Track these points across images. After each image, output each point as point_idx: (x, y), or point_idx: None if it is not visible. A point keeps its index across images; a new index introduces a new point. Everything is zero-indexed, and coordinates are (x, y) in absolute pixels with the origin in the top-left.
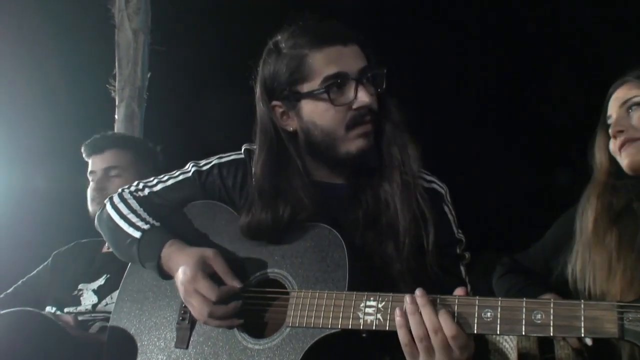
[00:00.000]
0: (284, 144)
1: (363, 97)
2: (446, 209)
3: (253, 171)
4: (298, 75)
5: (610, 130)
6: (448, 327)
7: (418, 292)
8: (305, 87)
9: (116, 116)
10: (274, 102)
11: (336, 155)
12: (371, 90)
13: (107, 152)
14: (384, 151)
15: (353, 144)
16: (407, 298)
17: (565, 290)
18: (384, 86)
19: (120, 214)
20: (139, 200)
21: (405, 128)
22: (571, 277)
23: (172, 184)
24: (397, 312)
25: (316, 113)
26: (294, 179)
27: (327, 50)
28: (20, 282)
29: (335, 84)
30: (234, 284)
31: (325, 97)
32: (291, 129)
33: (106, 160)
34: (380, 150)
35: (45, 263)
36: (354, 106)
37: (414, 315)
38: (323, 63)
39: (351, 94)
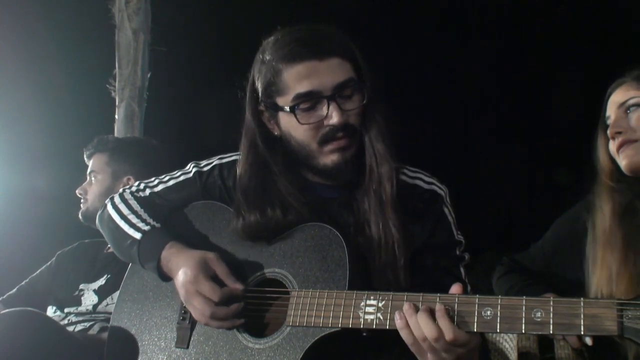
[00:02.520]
0: (267, 147)
1: (334, 116)
2: (446, 210)
3: (237, 173)
4: (274, 88)
5: (608, 132)
6: (449, 333)
7: (405, 305)
8: (280, 101)
9: (116, 116)
10: (260, 107)
11: (315, 165)
12: (349, 105)
13: (93, 157)
14: (366, 165)
15: (328, 158)
16: (405, 305)
17: (567, 291)
18: (366, 99)
19: (121, 214)
20: (139, 200)
21: (385, 142)
22: (587, 279)
23: (173, 185)
24: (397, 315)
25: (290, 126)
26: (280, 181)
27: (300, 67)
28: (23, 283)
29: (305, 103)
30: (236, 286)
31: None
32: (276, 133)
33: (91, 166)
34: (364, 164)
35: (49, 262)
36: (325, 123)
37: (411, 319)
38: (296, 79)
39: (323, 111)
